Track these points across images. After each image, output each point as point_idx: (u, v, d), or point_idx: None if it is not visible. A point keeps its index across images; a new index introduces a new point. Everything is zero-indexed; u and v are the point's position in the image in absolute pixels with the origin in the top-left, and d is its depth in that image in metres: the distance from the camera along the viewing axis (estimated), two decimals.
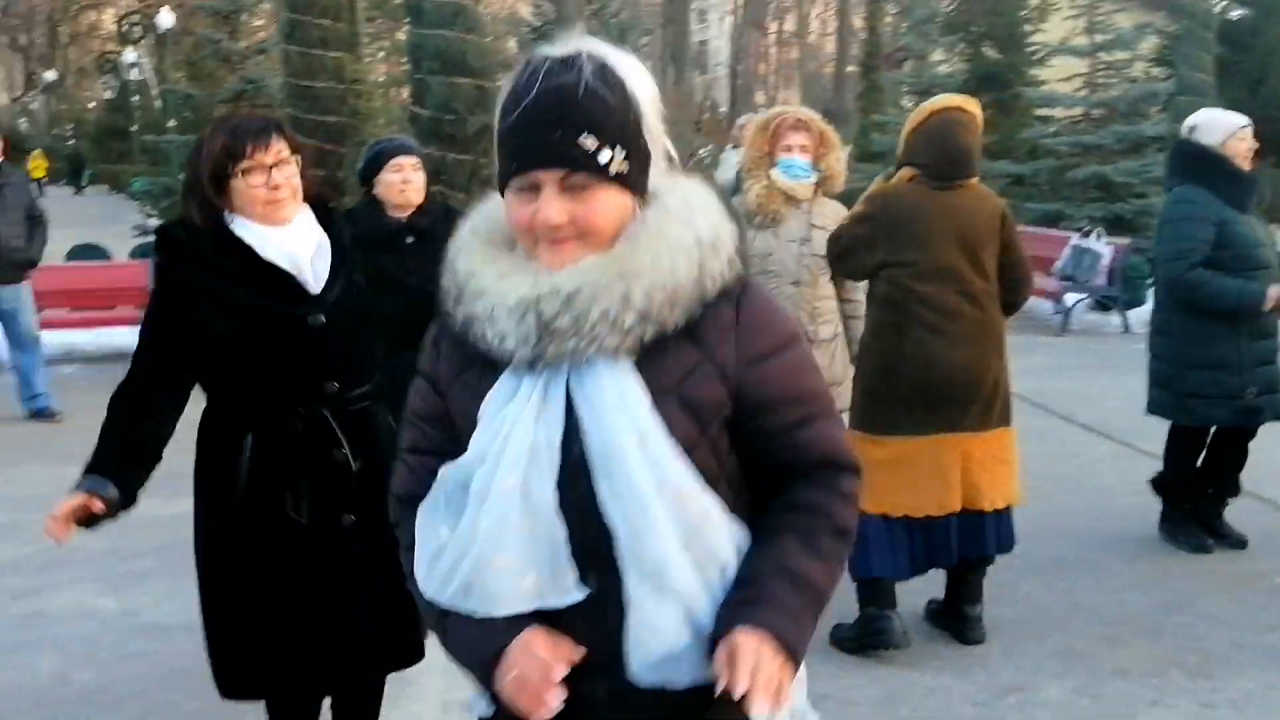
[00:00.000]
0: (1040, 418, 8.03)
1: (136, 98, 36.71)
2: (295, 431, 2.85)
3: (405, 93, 15.46)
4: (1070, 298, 11.69)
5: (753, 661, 1.56)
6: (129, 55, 35.31)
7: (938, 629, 4.56)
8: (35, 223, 8.44)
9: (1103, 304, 12.12)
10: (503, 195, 1.69)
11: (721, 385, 1.67)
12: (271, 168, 2.79)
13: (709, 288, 1.64)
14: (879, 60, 23.74)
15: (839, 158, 5.08)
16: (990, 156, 16.81)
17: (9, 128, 51.39)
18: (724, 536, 1.67)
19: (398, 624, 2.95)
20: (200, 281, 2.81)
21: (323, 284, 2.88)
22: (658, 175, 1.69)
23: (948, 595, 4.55)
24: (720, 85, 39.43)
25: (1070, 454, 7.10)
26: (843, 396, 4.54)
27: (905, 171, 4.27)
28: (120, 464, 2.84)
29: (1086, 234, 12.20)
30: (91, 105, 52.82)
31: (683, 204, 1.67)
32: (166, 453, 2.93)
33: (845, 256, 4.32)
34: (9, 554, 5.71)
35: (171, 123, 20.97)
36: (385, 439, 2.93)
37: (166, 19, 28.71)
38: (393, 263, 4.72)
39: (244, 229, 2.82)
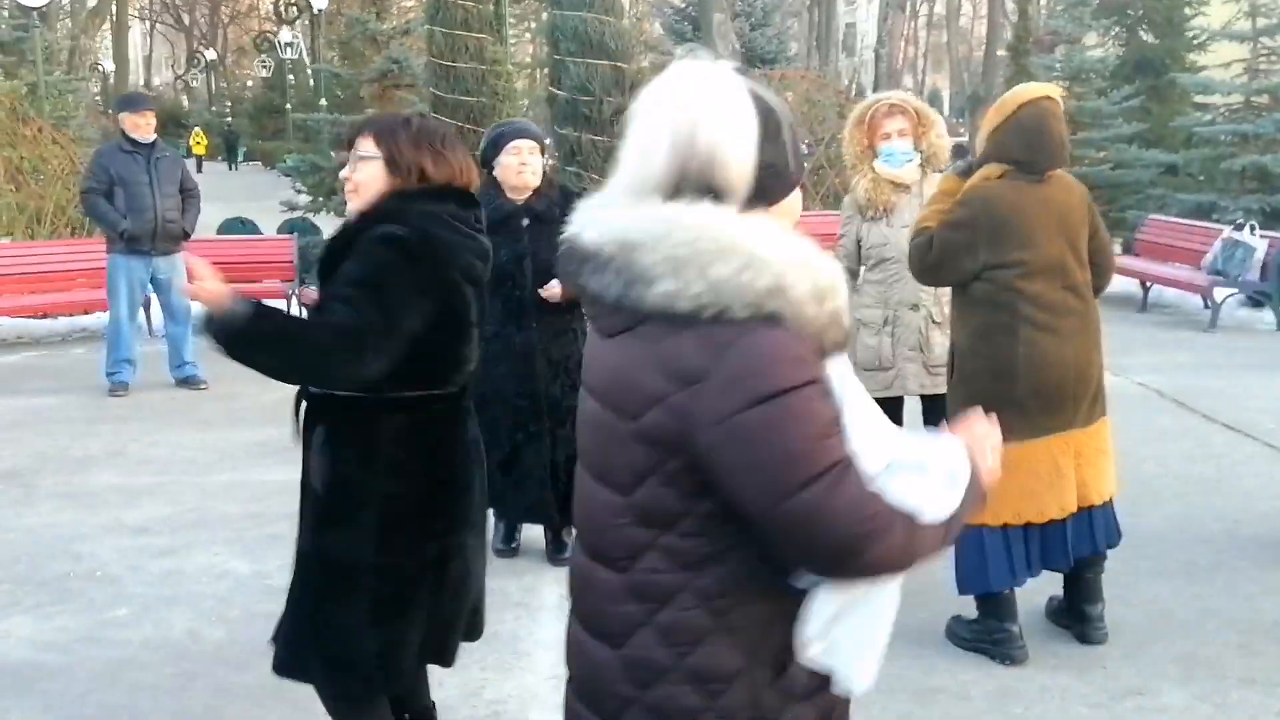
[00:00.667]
0: (1181, 416, 7.78)
1: (291, 77, 37.78)
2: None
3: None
4: (1220, 293, 11.27)
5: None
6: (284, 35, 36.34)
7: (1059, 627, 4.47)
8: (189, 196, 8.76)
9: (1255, 300, 11.66)
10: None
11: None
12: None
13: None
14: (1030, 44, 23.17)
15: (940, 133, 5.05)
16: (1143, 144, 16.30)
17: (171, 104, 53.33)
18: None
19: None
20: None
21: None
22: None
23: (1067, 596, 4.44)
24: (868, 69, 38.90)
25: (1210, 455, 6.87)
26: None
27: (993, 168, 4.08)
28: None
29: (1240, 227, 11.74)
30: (249, 84, 54.48)
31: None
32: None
33: (941, 266, 4.12)
34: (153, 513, 5.96)
35: (322, 101, 21.54)
36: None
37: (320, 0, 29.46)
38: (508, 245, 4.84)
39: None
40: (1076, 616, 4.40)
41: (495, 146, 4.93)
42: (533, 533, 5.39)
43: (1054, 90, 4.17)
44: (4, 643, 4.50)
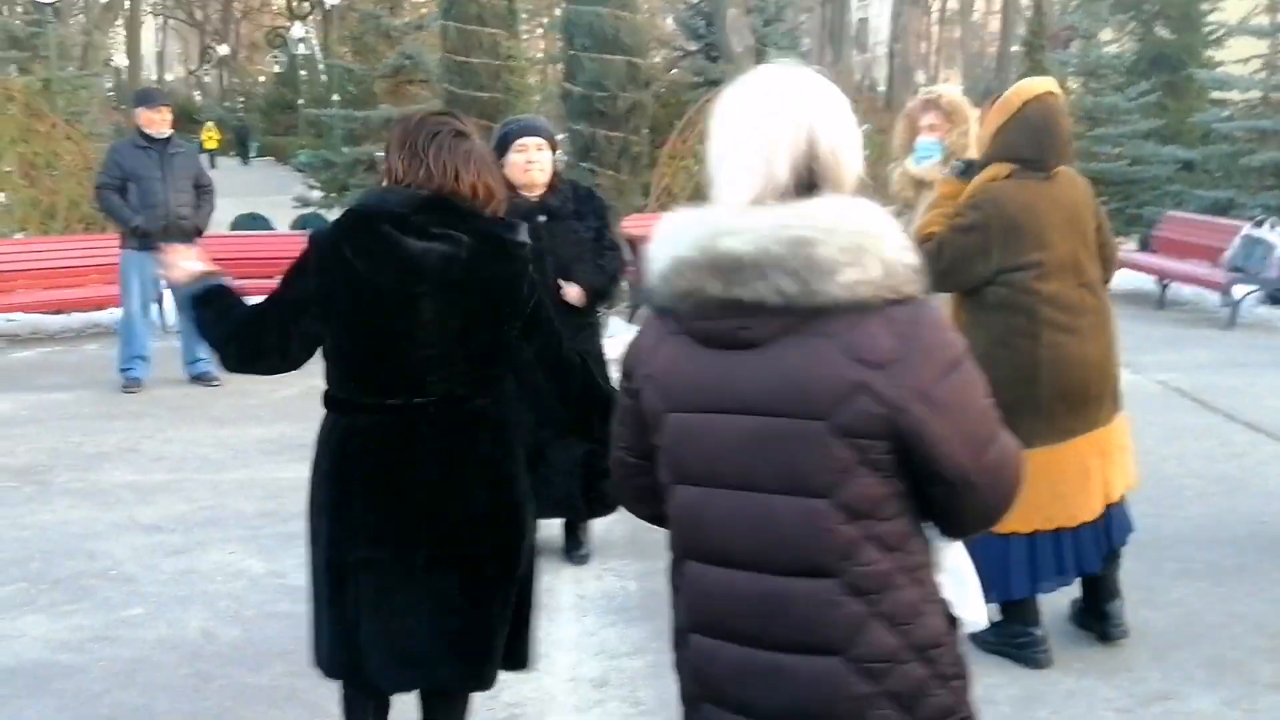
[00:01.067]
0: (1201, 415, 7.70)
1: (304, 72, 37.75)
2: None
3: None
4: (1239, 290, 11.17)
5: None
6: (297, 30, 36.30)
7: (1084, 630, 4.40)
8: (202, 192, 8.73)
9: (1274, 297, 11.57)
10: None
11: None
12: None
13: None
14: (1044, 39, 23.05)
15: (966, 131, 4.83)
16: (1159, 140, 16.20)
17: (184, 100, 53.37)
18: None
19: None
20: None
21: None
22: None
23: (1085, 596, 4.37)
24: (881, 65, 38.80)
25: (1232, 454, 6.80)
26: None
27: (1000, 168, 3.98)
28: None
29: (1259, 223, 11.64)
30: (261, 79, 54.49)
31: None
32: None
33: (953, 272, 3.97)
34: (167, 511, 5.93)
35: (335, 97, 21.49)
36: None
37: None
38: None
39: None
40: (1097, 615, 4.32)
41: (503, 144, 4.87)
42: (547, 534, 5.35)
43: (1055, 85, 4.10)
44: (19, 642, 4.47)
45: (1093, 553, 4.09)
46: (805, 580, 1.82)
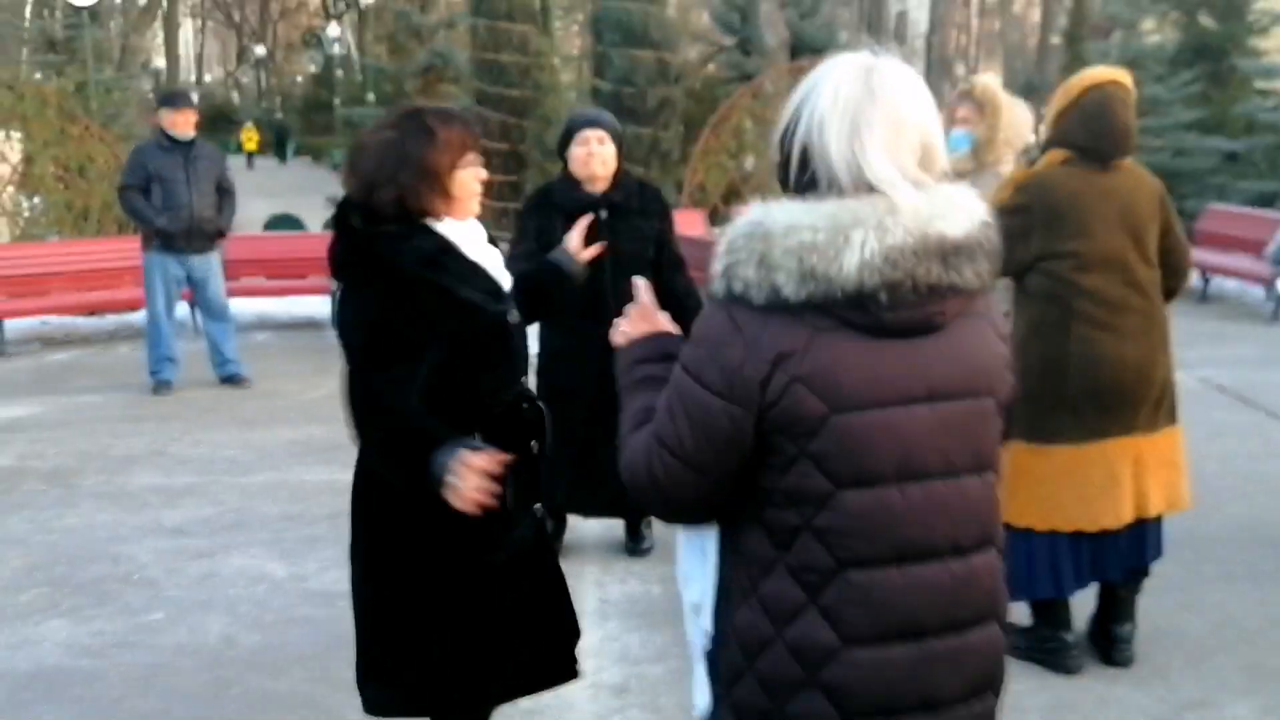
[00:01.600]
0: (1244, 413, 7.54)
1: (340, 72, 37.92)
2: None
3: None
4: None
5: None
6: (332, 30, 36.46)
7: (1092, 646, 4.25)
8: (225, 194, 8.72)
9: None
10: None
11: None
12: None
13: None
14: (1085, 30, 22.77)
15: (994, 125, 4.69)
16: (1202, 131, 15.92)
17: (222, 101, 53.73)
18: None
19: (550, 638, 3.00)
20: (431, 279, 2.70)
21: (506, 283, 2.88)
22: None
23: (1098, 610, 4.20)
24: (920, 58, 38.53)
25: (1274, 453, 6.64)
26: None
27: (1056, 154, 3.91)
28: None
29: None
30: (299, 79, 54.80)
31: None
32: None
33: None
34: (192, 514, 5.91)
35: (370, 96, 21.55)
36: None
37: None
38: (586, 237, 4.77)
39: (446, 228, 2.75)
40: (1104, 635, 4.16)
41: (565, 138, 4.94)
42: (593, 532, 5.30)
43: (1123, 75, 3.95)
44: (40, 647, 4.46)
45: (1114, 561, 3.96)
46: (984, 553, 1.90)
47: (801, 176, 1.83)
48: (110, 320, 11.40)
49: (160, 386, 8.58)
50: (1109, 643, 4.14)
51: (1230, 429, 7.07)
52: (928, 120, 1.83)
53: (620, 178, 4.91)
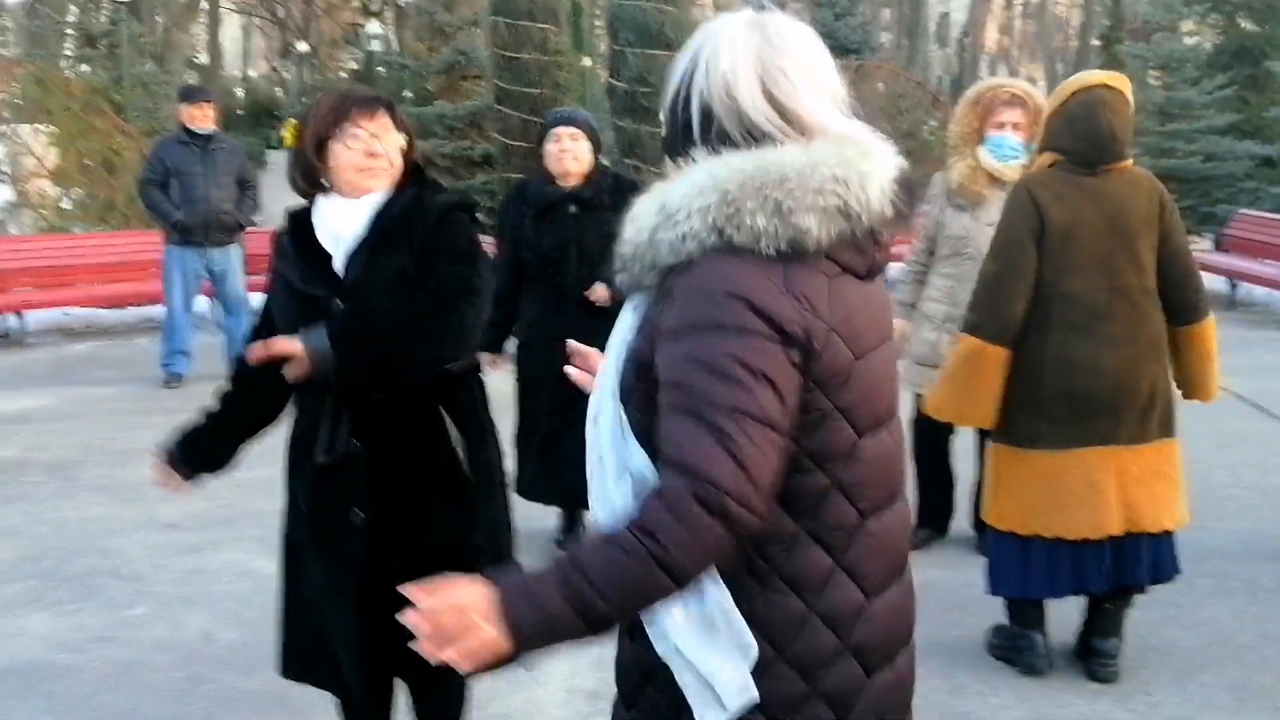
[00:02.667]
0: (1259, 422, 7.40)
1: (381, 69, 38.04)
2: (314, 420, 2.83)
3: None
4: None
5: (448, 602, 1.58)
6: (372, 27, 36.59)
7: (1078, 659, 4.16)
8: (246, 187, 8.75)
9: None
10: None
11: (649, 347, 1.69)
12: (374, 137, 2.78)
13: (660, 254, 1.69)
14: (1123, 32, 22.50)
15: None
16: (1238, 135, 15.68)
17: (265, 96, 54.08)
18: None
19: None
20: (274, 258, 2.90)
21: (347, 267, 2.80)
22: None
23: (1085, 622, 4.14)
24: (959, 59, 38.23)
25: None
26: None
27: (1045, 157, 3.87)
28: (203, 432, 3.02)
29: None
30: (342, 75, 55.09)
31: (680, 174, 1.73)
32: None
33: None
34: (187, 509, 5.88)
35: (407, 93, 21.59)
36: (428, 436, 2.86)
37: None
38: (553, 231, 4.86)
39: (316, 208, 2.85)
40: (1086, 648, 4.08)
41: (543, 135, 5.09)
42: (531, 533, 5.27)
43: (1117, 79, 3.86)
44: (19, 640, 4.47)
45: (1095, 573, 3.87)
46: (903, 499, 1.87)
47: (707, 136, 1.72)
48: (131, 313, 11.47)
49: (171, 379, 8.62)
50: (1092, 656, 4.05)
51: (1241, 438, 6.92)
52: (830, 68, 1.78)
53: (595, 174, 5.02)
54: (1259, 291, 11.85)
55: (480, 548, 2.87)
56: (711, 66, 1.72)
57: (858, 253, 1.70)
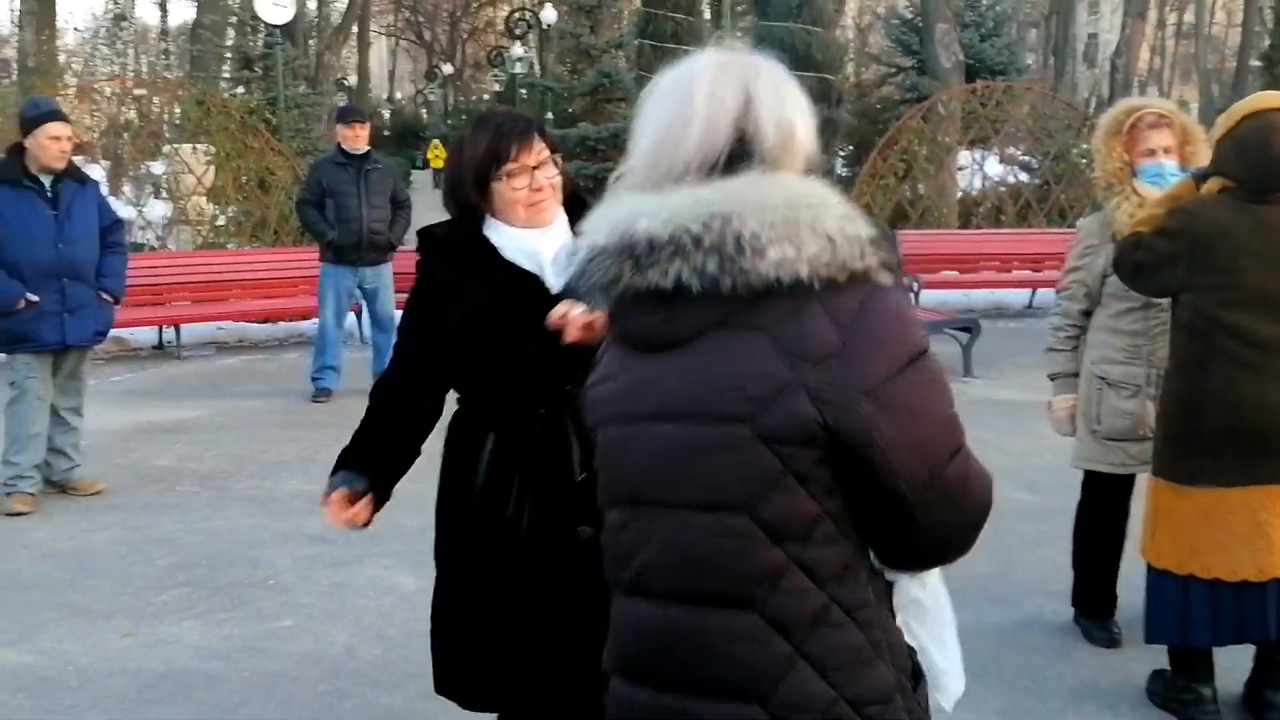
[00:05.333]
0: None
1: (523, 91, 38.66)
2: (533, 433, 2.76)
3: None
4: None
5: None
6: (516, 50, 37.21)
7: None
8: (399, 207, 8.91)
9: None
10: None
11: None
12: (534, 169, 2.75)
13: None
14: None
15: (1196, 153, 4.27)
16: None
17: (411, 117, 55.37)
18: None
19: None
20: (442, 276, 2.79)
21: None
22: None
23: (1253, 672, 3.92)
24: (1108, 81, 37.26)
25: None
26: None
27: (1214, 182, 3.66)
28: (374, 460, 2.87)
29: None
30: (485, 97, 56.09)
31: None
32: None
33: (1143, 272, 3.76)
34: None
35: (549, 115, 21.90)
36: None
37: (550, 14, 30.05)
38: None
39: (493, 230, 2.79)
40: (1257, 704, 3.86)
41: None
42: None
43: None
44: (173, 648, 4.57)
45: (1257, 619, 3.65)
46: (724, 611, 1.61)
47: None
48: (282, 328, 11.77)
49: (320, 394, 8.81)
50: (1260, 708, 3.84)
51: None
52: (734, 108, 1.68)
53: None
54: None
55: None
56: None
57: (627, 317, 1.70)
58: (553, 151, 2.82)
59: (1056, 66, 34.94)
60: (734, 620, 1.60)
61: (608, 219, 1.66)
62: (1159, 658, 4.02)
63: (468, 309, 2.74)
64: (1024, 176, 15.53)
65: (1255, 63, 30.71)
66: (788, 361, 1.55)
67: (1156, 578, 3.78)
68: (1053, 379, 4.51)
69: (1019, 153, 15.73)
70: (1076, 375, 4.46)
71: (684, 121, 1.64)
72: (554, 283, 2.75)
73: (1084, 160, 15.53)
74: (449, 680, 2.96)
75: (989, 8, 23.15)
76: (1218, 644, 3.75)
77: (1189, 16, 53.25)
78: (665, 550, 1.65)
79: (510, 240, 2.77)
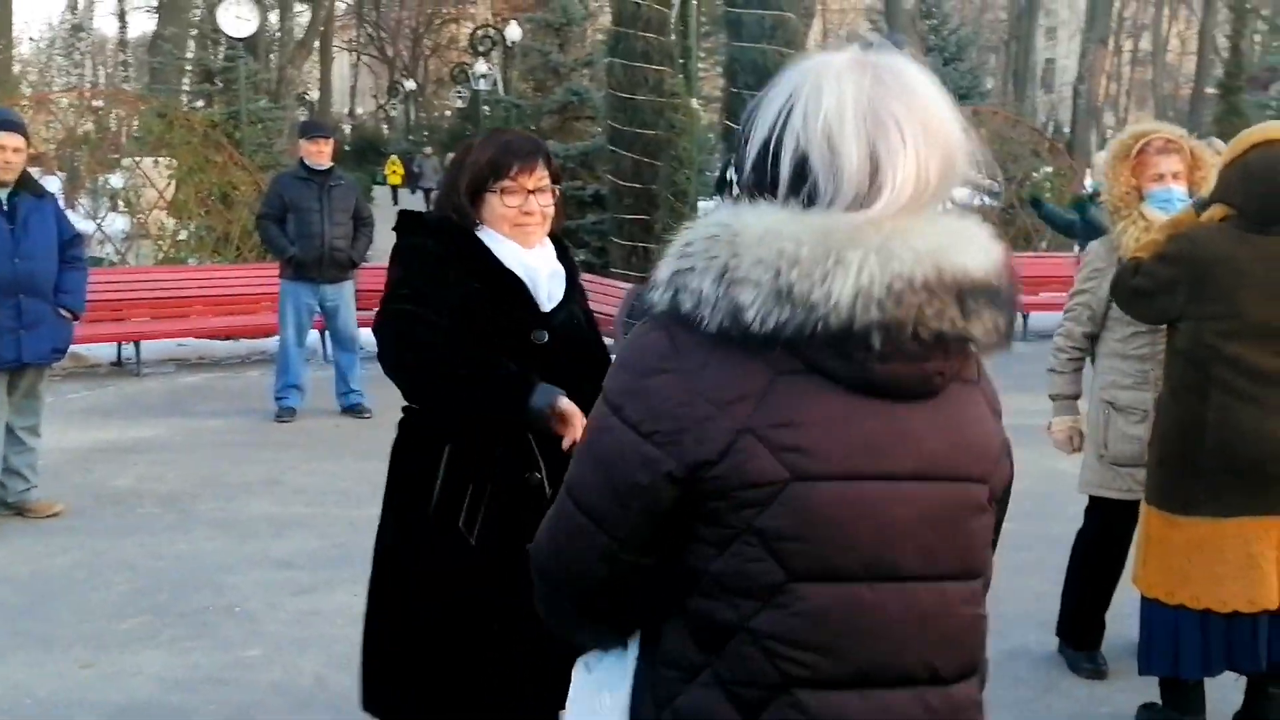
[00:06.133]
0: None
1: (486, 108, 38.54)
2: (492, 447, 2.72)
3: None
4: None
5: None
6: (480, 66, 37.10)
7: None
8: (362, 224, 8.78)
9: None
10: None
11: None
12: (530, 193, 2.77)
13: None
14: (1241, 81, 22.03)
15: (1206, 178, 4.21)
16: None
17: (371, 132, 55.13)
18: None
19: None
20: (431, 247, 2.78)
21: (554, 305, 2.84)
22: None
23: (1243, 709, 3.87)
24: (1067, 106, 37.70)
25: None
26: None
27: (1216, 210, 3.62)
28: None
29: None
30: (447, 114, 55.93)
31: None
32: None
33: (1141, 298, 3.72)
34: (299, 546, 5.88)
35: None
36: None
37: (514, 32, 30.01)
38: None
39: (484, 233, 2.80)
40: None
41: None
42: None
43: None
44: (135, 679, 4.42)
45: (1248, 651, 3.61)
46: (962, 685, 1.51)
47: (797, 192, 1.43)
48: (244, 345, 11.59)
49: (284, 413, 8.65)
50: None
51: None
52: (952, 122, 1.45)
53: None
54: None
55: None
56: (813, 109, 1.42)
57: (839, 356, 1.39)
58: (554, 182, 2.85)
59: (1016, 91, 35.27)
60: (969, 691, 1.53)
61: (899, 243, 1.39)
62: (1147, 689, 3.97)
63: (458, 290, 2.72)
64: (989, 200, 15.61)
65: (1210, 90, 31.13)
66: (997, 419, 1.56)
67: (1149, 608, 3.74)
68: (1053, 399, 4.48)
69: (983, 177, 15.81)
70: (1076, 397, 4.45)
71: (929, 143, 1.44)
72: (544, 301, 2.80)
73: (1048, 184, 15.64)
74: (379, 696, 2.91)
75: (951, 32, 23.35)
76: (1208, 674, 3.72)
77: (1144, 44, 54.00)
78: (926, 628, 1.46)
79: (500, 245, 2.78)
